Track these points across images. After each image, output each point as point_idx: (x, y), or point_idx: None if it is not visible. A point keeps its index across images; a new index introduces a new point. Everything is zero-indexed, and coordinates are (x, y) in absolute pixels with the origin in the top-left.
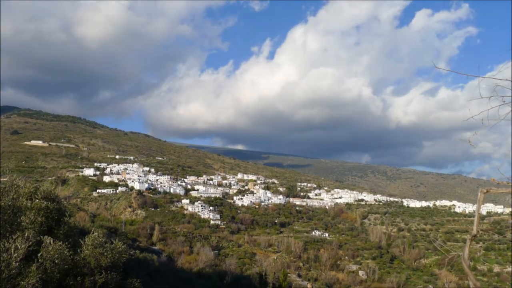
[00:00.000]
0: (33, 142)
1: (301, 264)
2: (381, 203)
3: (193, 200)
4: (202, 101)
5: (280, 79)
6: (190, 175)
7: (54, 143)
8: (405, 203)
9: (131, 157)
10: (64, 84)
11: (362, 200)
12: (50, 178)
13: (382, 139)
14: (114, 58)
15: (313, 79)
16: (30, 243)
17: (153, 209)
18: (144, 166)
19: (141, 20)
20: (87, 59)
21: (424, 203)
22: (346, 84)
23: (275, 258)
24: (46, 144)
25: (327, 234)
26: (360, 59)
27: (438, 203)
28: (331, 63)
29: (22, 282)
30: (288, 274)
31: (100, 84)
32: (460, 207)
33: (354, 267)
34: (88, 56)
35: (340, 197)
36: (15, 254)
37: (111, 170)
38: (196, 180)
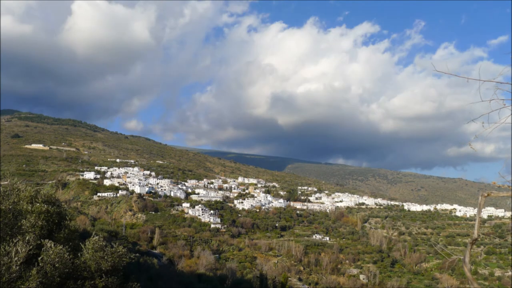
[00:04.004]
0: (34, 146)
1: (301, 268)
2: (381, 207)
3: (193, 204)
4: None
5: None
6: (190, 179)
7: (54, 147)
8: (405, 207)
9: (132, 161)
10: None
11: (363, 204)
12: (50, 182)
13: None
14: None
15: None
16: (31, 246)
17: (153, 212)
18: (144, 169)
19: None
20: None
21: (425, 207)
22: None
23: (276, 262)
24: (46, 148)
25: (327, 238)
26: None
27: (439, 207)
28: None
29: (23, 286)
30: (289, 278)
31: None
32: (461, 210)
33: (355, 271)
34: None
35: (340, 201)
36: (16, 258)
37: (111, 173)
38: (197, 183)
